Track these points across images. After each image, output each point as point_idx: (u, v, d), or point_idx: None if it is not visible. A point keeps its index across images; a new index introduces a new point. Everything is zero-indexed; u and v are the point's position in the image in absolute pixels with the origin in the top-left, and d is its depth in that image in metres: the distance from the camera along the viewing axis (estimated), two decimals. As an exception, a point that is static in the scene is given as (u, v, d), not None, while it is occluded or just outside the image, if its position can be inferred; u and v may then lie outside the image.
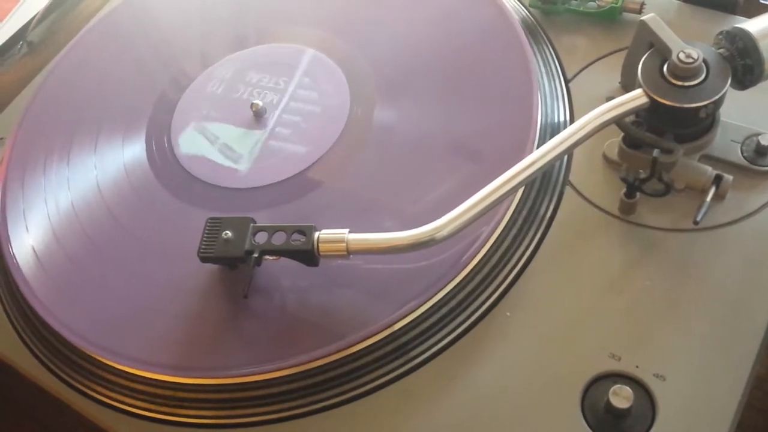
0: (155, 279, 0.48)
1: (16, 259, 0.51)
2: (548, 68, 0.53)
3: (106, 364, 0.46)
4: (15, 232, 0.53)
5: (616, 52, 0.52)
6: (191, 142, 0.55)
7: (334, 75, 0.56)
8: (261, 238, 0.44)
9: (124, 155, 0.56)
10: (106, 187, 0.54)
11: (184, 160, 0.54)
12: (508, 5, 0.55)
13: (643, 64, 0.43)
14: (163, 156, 0.55)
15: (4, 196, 0.55)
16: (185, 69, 0.61)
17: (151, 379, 0.45)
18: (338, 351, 0.43)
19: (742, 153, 0.46)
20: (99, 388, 0.47)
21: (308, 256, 0.43)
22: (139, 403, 0.45)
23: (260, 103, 0.55)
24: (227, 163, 0.53)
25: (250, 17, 0.63)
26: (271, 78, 0.58)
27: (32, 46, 0.74)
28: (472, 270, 0.44)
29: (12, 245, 0.52)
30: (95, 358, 0.47)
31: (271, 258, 0.44)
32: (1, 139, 0.63)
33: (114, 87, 0.61)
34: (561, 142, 0.41)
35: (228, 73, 0.59)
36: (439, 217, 0.40)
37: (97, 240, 0.51)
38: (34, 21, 0.75)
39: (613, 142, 0.46)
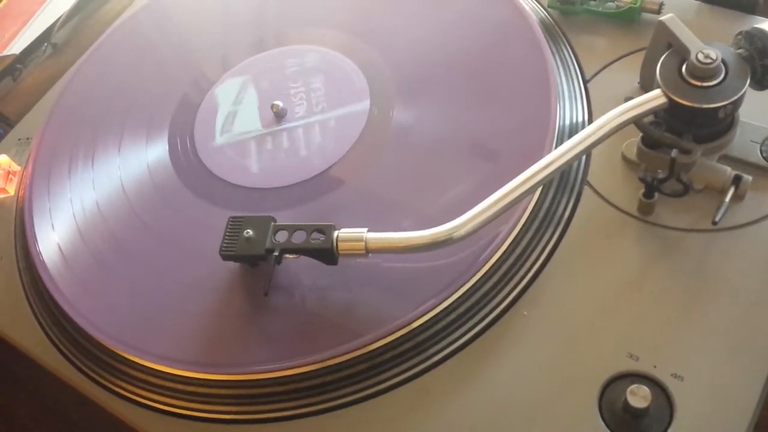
0: (178, 277, 0.49)
1: (42, 256, 0.52)
2: (567, 68, 0.53)
3: (129, 360, 0.47)
4: (41, 230, 0.54)
5: (634, 52, 0.52)
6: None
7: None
8: (281, 236, 0.44)
9: (148, 155, 0.57)
10: (130, 187, 0.55)
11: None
12: (526, 6, 0.55)
13: (661, 64, 0.43)
14: (186, 156, 0.56)
15: (30, 195, 0.56)
16: (207, 71, 0.62)
17: (172, 374, 0.46)
18: (357, 348, 0.43)
19: (761, 153, 0.46)
20: (121, 383, 0.47)
21: (327, 254, 0.43)
22: (160, 398, 0.46)
23: (280, 104, 0.56)
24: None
25: (270, 20, 0.64)
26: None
27: (56, 47, 0.76)
28: (489, 269, 0.44)
29: (38, 243, 0.53)
30: (118, 354, 0.47)
31: (291, 256, 0.44)
32: (27, 139, 0.64)
33: (137, 88, 0.62)
34: (579, 142, 0.41)
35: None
36: (457, 216, 0.41)
37: (121, 238, 0.52)
38: (59, 23, 0.76)
39: (632, 142, 0.46)
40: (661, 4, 0.53)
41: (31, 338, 0.52)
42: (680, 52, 0.43)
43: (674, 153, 0.41)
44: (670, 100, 0.42)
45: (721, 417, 0.38)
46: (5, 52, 0.75)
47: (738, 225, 0.44)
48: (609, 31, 0.54)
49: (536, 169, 0.41)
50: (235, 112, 0.58)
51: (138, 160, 0.57)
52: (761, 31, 0.42)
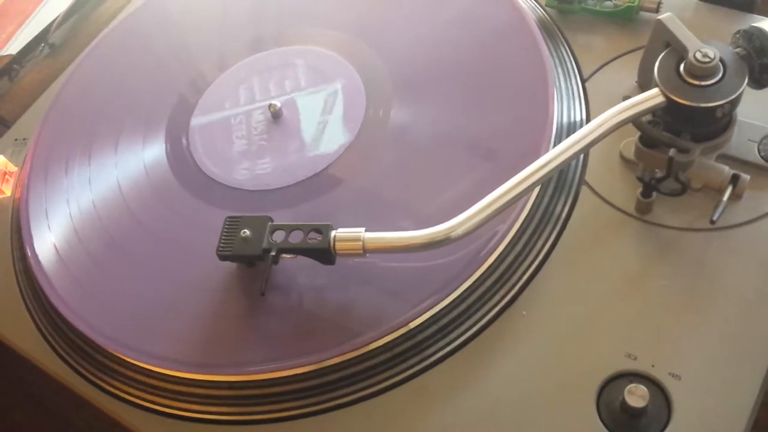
0: (174, 277, 0.49)
1: (38, 257, 0.52)
2: (564, 67, 0.53)
3: (126, 361, 0.47)
4: (37, 230, 0.54)
5: (632, 51, 0.52)
6: (331, 138, 0.54)
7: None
8: (278, 236, 0.44)
9: (144, 156, 0.57)
10: (126, 187, 0.55)
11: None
12: (524, 5, 0.55)
13: (659, 63, 0.43)
14: (182, 156, 0.56)
15: (26, 195, 0.56)
16: (204, 71, 0.61)
17: (169, 375, 0.46)
18: (354, 349, 0.43)
19: (759, 152, 0.46)
20: (118, 384, 0.47)
21: (325, 254, 0.43)
22: (157, 399, 0.46)
23: (278, 104, 0.56)
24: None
25: (267, 20, 0.64)
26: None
27: (53, 48, 0.76)
28: (487, 269, 0.44)
29: (34, 244, 0.53)
30: (115, 355, 0.47)
31: (288, 256, 0.44)
32: (24, 139, 0.64)
33: (134, 88, 0.62)
34: (577, 141, 0.41)
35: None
36: (454, 216, 0.41)
37: (118, 239, 0.52)
38: (55, 23, 0.76)
39: (630, 141, 0.46)
40: (659, 3, 0.53)
41: (27, 340, 0.51)
42: (678, 51, 0.43)
43: (672, 152, 0.41)
44: (668, 99, 0.42)
45: (719, 416, 0.38)
46: (2, 53, 0.75)
47: (736, 224, 0.44)
48: (607, 30, 0.54)
49: (534, 168, 0.41)
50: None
51: (135, 161, 0.57)
52: (759, 29, 0.42)
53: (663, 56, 0.44)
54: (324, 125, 0.54)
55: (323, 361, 0.43)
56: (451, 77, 0.54)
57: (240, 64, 0.61)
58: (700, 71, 0.42)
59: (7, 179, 0.61)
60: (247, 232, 0.45)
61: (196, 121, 0.58)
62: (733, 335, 0.40)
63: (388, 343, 0.43)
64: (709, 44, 0.42)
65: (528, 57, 0.52)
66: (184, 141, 0.57)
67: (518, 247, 0.45)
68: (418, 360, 0.43)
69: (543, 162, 0.41)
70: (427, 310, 0.43)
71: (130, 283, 0.50)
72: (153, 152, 0.57)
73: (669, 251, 0.44)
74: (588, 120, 0.50)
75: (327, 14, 0.61)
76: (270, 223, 0.45)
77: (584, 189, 0.47)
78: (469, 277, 0.44)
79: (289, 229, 0.44)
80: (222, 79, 0.60)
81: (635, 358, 0.40)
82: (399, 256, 0.45)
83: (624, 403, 0.38)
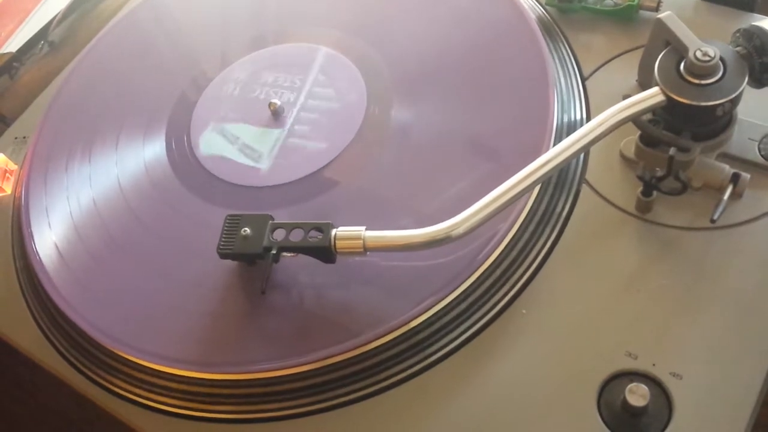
0: (175, 275, 0.49)
1: (38, 255, 0.52)
2: (564, 66, 0.53)
3: (126, 359, 0.47)
4: (38, 228, 0.54)
5: (632, 50, 0.52)
6: (211, 143, 0.56)
7: (350, 74, 0.57)
8: (279, 235, 0.44)
9: (145, 153, 0.57)
10: (127, 185, 0.55)
11: (204, 159, 0.55)
12: (524, 3, 0.55)
13: (659, 62, 0.43)
14: (182, 154, 0.56)
15: (27, 193, 0.56)
16: (204, 69, 0.61)
17: (170, 374, 0.46)
18: (355, 348, 0.43)
19: (759, 151, 0.46)
20: (119, 383, 0.47)
21: (325, 252, 0.43)
22: (158, 398, 0.46)
23: (278, 102, 0.56)
24: (248, 162, 0.54)
25: (268, 17, 0.64)
26: (288, 77, 0.58)
27: (53, 45, 0.75)
28: (488, 268, 0.44)
29: (35, 242, 0.53)
30: (115, 353, 0.47)
31: (288, 255, 0.44)
32: (24, 137, 0.64)
33: (134, 86, 0.62)
34: (577, 140, 0.41)
35: (246, 73, 0.60)
36: (455, 214, 0.41)
37: (118, 237, 0.52)
38: (55, 21, 0.76)
39: (630, 140, 0.46)
40: (659, 2, 0.53)
41: (28, 337, 0.51)
42: (678, 50, 0.43)
43: (672, 151, 0.41)
44: (668, 97, 0.42)
45: (720, 415, 0.38)
46: (2, 50, 0.75)
47: (736, 223, 0.44)
48: (607, 29, 0.54)
49: (534, 167, 0.41)
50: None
51: (135, 158, 0.57)
52: (759, 28, 0.42)
53: (663, 55, 0.44)
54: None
55: (324, 359, 0.43)
56: (451, 76, 0.54)
57: (239, 63, 0.61)
58: (701, 70, 0.42)
59: (8, 177, 0.61)
60: (248, 230, 0.45)
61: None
62: (734, 334, 0.40)
63: (388, 342, 0.43)
64: (709, 43, 0.42)
65: (528, 56, 0.52)
66: (184, 139, 0.57)
67: (519, 246, 0.45)
68: (418, 359, 0.43)
69: (543, 161, 0.41)
70: (428, 309, 0.43)
71: (130, 281, 0.50)
72: (153, 150, 0.57)
73: (669, 250, 0.44)
74: (588, 119, 0.50)
75: (328, 12, 0.61)
76: (270, 222, 0.45)
77: (584, 188, 0.47)
78: (470, 276, 0.44)
79: (290, 227, 0.44)
80: (221, 77, 0.60)
81: (636, 357, 0.40)
82: (399, 255, 0.45)
83: (625, 402, 0.38)
